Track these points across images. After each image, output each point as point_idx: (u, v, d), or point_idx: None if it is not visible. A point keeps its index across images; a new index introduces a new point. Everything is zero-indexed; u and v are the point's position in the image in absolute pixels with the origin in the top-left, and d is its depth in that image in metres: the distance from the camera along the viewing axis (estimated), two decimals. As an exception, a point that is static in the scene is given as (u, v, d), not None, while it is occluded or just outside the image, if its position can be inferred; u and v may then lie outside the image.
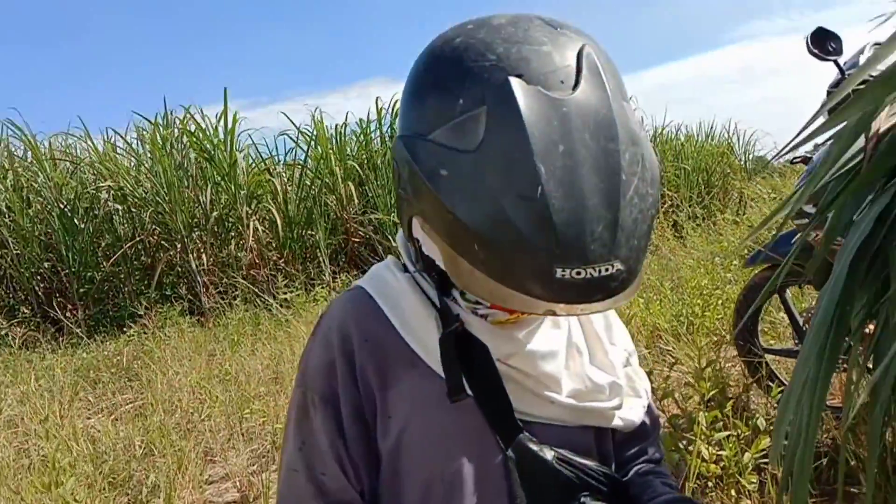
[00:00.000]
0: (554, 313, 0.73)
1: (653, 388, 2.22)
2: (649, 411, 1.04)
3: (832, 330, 0.79)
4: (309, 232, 7.45)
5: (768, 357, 2.92)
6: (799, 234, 1.42)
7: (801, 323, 2.89)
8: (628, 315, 3.96)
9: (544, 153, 0.69)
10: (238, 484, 2.88)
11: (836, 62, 2.37)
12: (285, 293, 5.85)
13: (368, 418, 0.88)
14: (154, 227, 7.17)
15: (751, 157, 12.46)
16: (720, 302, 3.92)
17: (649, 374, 2.40)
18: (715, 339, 3.72)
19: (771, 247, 2.79)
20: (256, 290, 6.35)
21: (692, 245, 6.15)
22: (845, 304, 0.78)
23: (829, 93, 2.58)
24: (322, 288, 6.06)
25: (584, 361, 0.96)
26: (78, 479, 2.14)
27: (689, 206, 8.10)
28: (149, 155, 7.41)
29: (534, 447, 0.87)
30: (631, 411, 0.98)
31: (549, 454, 0.88)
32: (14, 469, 2.81)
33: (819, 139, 2.56)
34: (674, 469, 2.13)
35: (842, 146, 0.82)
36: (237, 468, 2.97)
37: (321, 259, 6.99)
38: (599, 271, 0.70)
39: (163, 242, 7.18)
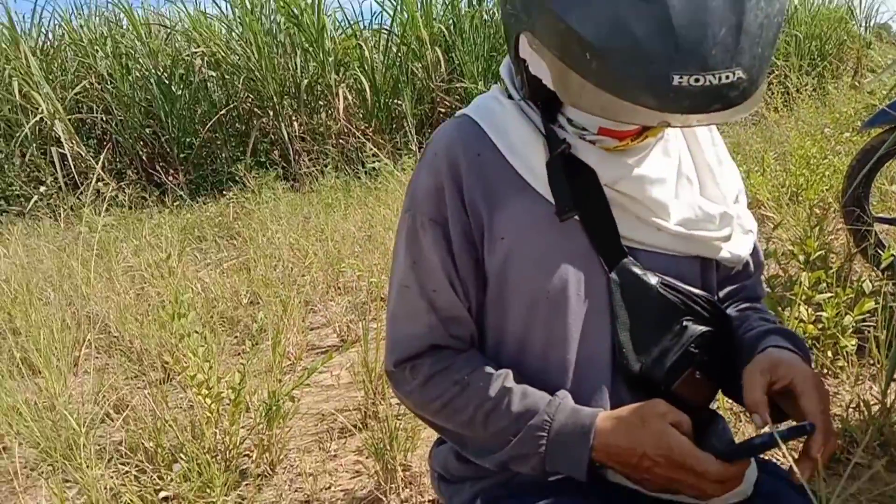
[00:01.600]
0: (668, 125, 0.70)
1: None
2: (755, 251, 1.02)
3: None
4: (395, 101, 7.41)
5: (876, 227, 2.77)
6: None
7: (919, 191, 2.71)
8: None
9: None
10: (337, 329, 3.08)
11: None
12: (373, 163, 5.91)
13: (476, 240, 0.91)
14: (247, 94, 7.31)
15: (872, 24, 11.24)
16: (828, 172, 3.69)
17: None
18: (819, 210, 3.54)
19: (895, 106, 2.56)
20: (345, 158, 6.45)
21: (799, 116, 5.75)
22: None
23: None
24: (409, 158, 6.10)
25: (695, 191, 0.94)
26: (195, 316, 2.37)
27: (799, 76, 7.50)
28: (239, 21, 7.43)
29: (638, 271, 0.88)
30: (738, 246, 0.95)
31: (653, 279, 0.88)
32: (135, 309, 3.10)
33: None
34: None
35: None
36: (336, 316, 3.16)
37: (407, 129, 6.97)
38: (720, 78, 0.67)
39: (255, 110, 7.33)
